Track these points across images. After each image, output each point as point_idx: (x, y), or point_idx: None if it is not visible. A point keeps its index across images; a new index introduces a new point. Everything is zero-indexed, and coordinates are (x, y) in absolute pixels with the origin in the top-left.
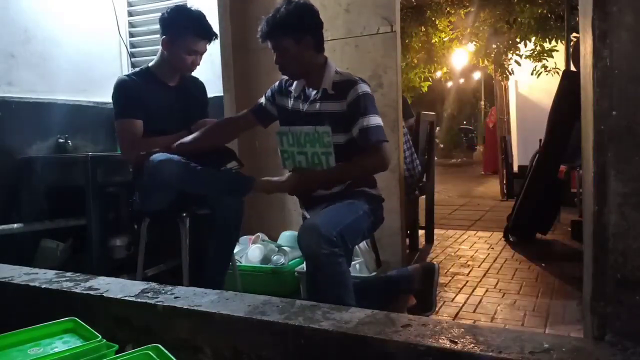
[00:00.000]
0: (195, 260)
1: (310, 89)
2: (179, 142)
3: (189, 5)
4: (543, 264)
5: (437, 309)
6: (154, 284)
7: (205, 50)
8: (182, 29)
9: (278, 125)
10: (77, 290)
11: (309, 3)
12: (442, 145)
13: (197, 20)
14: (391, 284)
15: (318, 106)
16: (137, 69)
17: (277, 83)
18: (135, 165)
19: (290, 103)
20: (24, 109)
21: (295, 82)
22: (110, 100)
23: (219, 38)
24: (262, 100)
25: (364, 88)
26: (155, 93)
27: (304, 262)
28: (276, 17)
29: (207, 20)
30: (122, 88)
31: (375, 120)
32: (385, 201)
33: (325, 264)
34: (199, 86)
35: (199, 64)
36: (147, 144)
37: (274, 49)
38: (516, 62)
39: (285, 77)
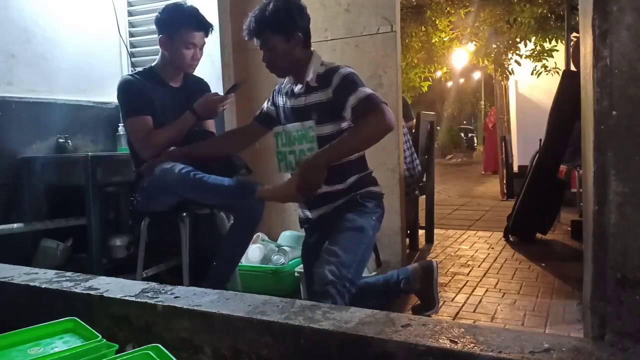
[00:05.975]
0: (199, 259)
1: (297, 85)
2: (187, 150)
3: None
4: (543, 264)
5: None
6: (154, 284)
7: (204, 43)
8: (177, 24)
9: None
10: (77, 290)
11: None
12: (438, 144)
13: (190, 13)
14: (392, 285)
15: (304, 100)
16: (140, 69)
17: (277, 85)
18: (147, 167)
19: (283, 101)
20: (24, 109)
21: (285, 80)
22: (110, 100)
23: (218, 35)
24: (264, 104)
25: (346, 70)
26: (159, 94)
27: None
28: (265, 14)
29: (200, 13)
30: (129, 87)
31: (366, 90)
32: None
33: (332, 295)
34: (205, 87)
35: (199, 58)
36: (161, 134)
37: (263, 46)
38: (516, 62)
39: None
